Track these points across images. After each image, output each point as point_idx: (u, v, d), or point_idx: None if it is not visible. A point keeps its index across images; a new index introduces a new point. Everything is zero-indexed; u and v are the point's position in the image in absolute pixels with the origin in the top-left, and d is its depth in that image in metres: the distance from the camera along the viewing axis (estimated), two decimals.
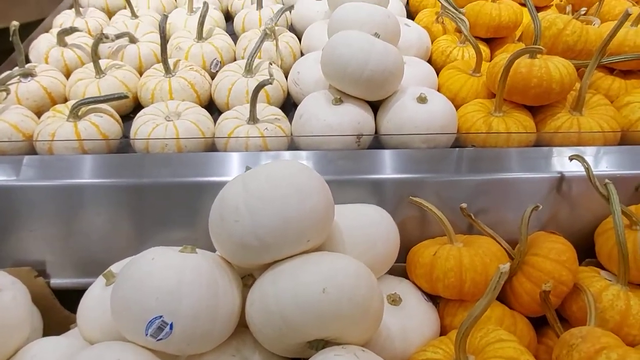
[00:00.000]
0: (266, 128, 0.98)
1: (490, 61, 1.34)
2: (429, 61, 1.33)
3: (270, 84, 0.96)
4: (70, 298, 0.96)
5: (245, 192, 0.62)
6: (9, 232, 0.93)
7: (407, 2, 1.61)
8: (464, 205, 0.85)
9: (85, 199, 0.92)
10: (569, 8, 1.38)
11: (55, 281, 0.95)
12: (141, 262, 0.63)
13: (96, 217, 0.93)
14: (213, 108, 1.20)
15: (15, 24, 1.10)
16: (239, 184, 0.64)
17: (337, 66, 0.97)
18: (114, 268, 0.82)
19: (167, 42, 1.32)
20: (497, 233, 0.89)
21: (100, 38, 1.13)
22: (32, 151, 1.00)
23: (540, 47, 0.90)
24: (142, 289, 0.60)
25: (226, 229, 0.63)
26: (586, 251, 0.94)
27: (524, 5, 1.45)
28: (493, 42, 1.36)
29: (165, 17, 1.12)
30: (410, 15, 1.55)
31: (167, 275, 0.60)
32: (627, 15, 0.93)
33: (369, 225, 0.77)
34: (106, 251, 0.94)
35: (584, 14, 1.16)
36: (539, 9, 1.51)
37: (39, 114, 1.11)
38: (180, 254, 0.65)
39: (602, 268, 0.88)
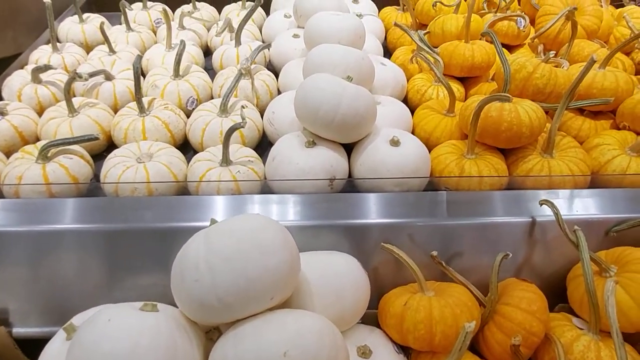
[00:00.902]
0: (238, 171, 0.98)
1: (464, 100, 1.37)
2: (405, 99, 1.35)
3: (242, 127, 0.96)
4: (37, 347, 0.93)
5: (207, 250, 0.61)
6: None
7: (385, 39, 1.65)
8: (434, 253, 0.85)
9: (52, 244, 0.89)
10: (540, 48, 1.42)
11: (19, 330, 0.91)
12: (96, 324, 0.60)
13: (63, 263, 0.90)
14: (188, 147, 1.19)
15: None
16: (201, 240, 0.63)
17: (309, 110, 0.97)
18: (76, 320, 0.79)
19: (145, 78, 1.32)
20: (471, 277, 0.89)
21: (74, 77, 1.12)
22: None
23: (508, 95, 0.92)
24: (95, 354, 0.57)
25: (186, 287, 0.61)
26: (559, 295, 0.94)
27: (507, 46, 1.50)
28: (467, 80, 1.39)
29: (139, 58, 1.12)
30: (388, 51, 1.58)
31: (121, 338, 0.58)
32: (592, 62, 0.96)
33: (337, 275, 0.75)
34: (73, 298, 0.91)
35: (554, 56, 1.20)
36: (512, 47, 1.55)
37: (9, 153, 1.09)
38: (138, 313, 0.63)
39: (575, 313, 0.88)
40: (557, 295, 0.94)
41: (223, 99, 1.12)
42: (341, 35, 1.24)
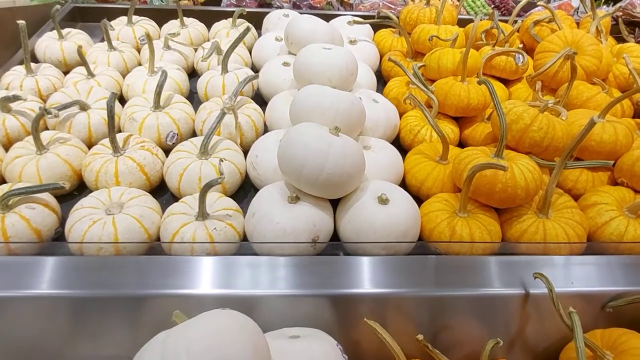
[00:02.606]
0: (215, 228, 0.91)
1: (459, 140, 1.31)
2: (397, 138, 1.29)
3: (219, 183, 0.89)
4: None
5: None
6: None
7: (380, 67, 1.58)
8: (420, 336, 0.79)
9: (8, 311, 0.83)
10: (538, 85, 1.36)
11: None
12: None
13: (19, 332, 0.83)
14: (165, 188, 1.12)
15: None
16: (157, 353, 0.56)
17: (293, 166, 0.91)
18: None
19: (123, 108, 1.25)
20: (463, 350, 0.84)
21: (42, 114, 1.04)
22: None
23: (505, 165, 0.86)
24: None
25: None
26: None
27: (504, 81, 1.44)
28: (462, 119, 1.33)
29: (113, 95, 1.04)
30: (382, 79, 1.51)
31: None
32: (592, 123, 0.90)
33: None
34: None
35: (554, 104, 1.14)
36: (509, 82, 1.49)
37: None
38: None
39: None
40: None
41: (204, 140, 1.05)
42: (332, 72, 1.17)
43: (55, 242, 0.95)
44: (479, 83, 1.06)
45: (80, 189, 1.12)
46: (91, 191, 1.08)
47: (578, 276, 0.92)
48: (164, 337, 0.59)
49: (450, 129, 1.26)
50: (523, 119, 1.06)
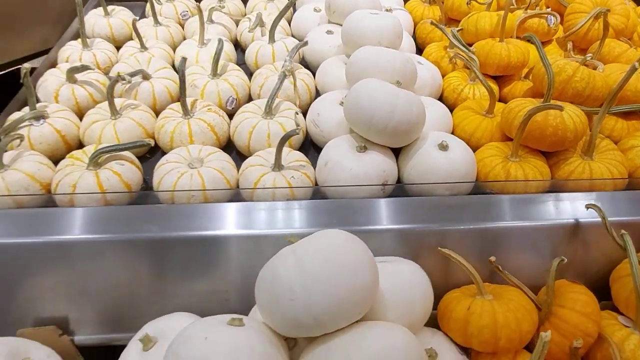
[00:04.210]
0: (292, 176, 0.99)
1: (499, 98, 1.39)
2: (440, 98, 1.36)
3: (297, 134, 0.97)
4: (97, 355, 0.95)
5: (299, 272, 0.63)
6: (29, 288, 0.91)
7: (414, 36, 1.64)
8: (492, 258, 0.88)
9: (109, 253, 0.90)
10: (570, 45, 1.44)
11: (80, 338, 0.93)
12: (193, 342, 0.62)
13: (120, 272, 0.91)
14: (230, 149, 1.19)
15: (27, 66, 1.07)
16: (291, 262, 0.65)
17: (362, 117, 0.98)
18: (150, 330, 0.81)
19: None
20: (522, 277, 0.93)
21: (117, 80, 1.10)
22: (51, 202, 0.97)
23: (561, 105, 0.94)
24: None
25: (280, 307, 0.64)
26: (601, 293, 0.99)
27: (530, 42, 1.50)
28: (500, 78, 1.40)
29: (184, 60, 1.11)
30: (417, 47, 1.58)
31: (221, 357, 0.60)
32: (634, 69, 0.98)
33: (408, 286, 0.78)
34: (131, 306, 0.93)
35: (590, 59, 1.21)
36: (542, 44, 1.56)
37: (52, 158, 1.08)
38: (231, 329, 0.65)
39: (618, 311, 0.93)
40: (598, 293, 0.99)
41: (268, 101, 1.12)
42: (382, 36, 1.24)
43: (146, 191, 1.02)
44: (524, 38, 1.14)
45: (150, 153, 1.19)
46: (164, 153, 1.15)
47: (624, 208, 1.01)
48: (291, 249, 0.67)
49: (491, 88, 1.33)
50: (566, 71, 1.14)
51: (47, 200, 0.96)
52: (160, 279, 0.92)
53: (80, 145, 1.15)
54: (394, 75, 1.09)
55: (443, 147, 1.02)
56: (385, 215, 0.96)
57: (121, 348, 0.83)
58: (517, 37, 1.52)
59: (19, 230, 0.89)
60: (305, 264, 0.64)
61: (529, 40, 1.14)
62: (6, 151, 1.00)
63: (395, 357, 0.62)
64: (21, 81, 1.08)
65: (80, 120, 1.17)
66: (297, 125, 0.99)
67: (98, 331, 0.94)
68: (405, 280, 0.79)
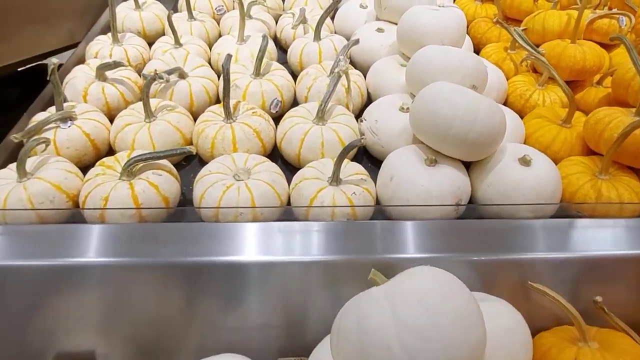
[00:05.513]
0: (354, 192, 0.86)
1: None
2: (504, 104, 1.22)
3: (362, 144, 0.84)
4: None
5: (397, 325, 0.50)
6: (51, 318, 0.79)
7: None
8: (598, 298, 0.74)
9: (143, 279, 0.78)
10: None
11: None
12: None
13: (156, 301, 0.79)
14: (274, 156, 1.07)
15: (54, 61, 0.96)
16: (386, 312, 0.52)
17: (436, 126, 0.85)
18: None
19: (220, 76, 1.19)
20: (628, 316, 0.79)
21: (154, 78, 0.99)
22: (79, 216, 0.86)
23: None
24: None
25: None
26: None
27: (603, 46, 1.36)
28: (571, 84, 1.26)
29: (229, 57, 0.99)
30: (474, 49, 1.45)
31: None
32: None
33: (508, 331, 0.65)
34: (167, 340, 0.81)
35: None
36: (609, 47, 1.41)
37: (79, 164, 0.97)
38: None
39: None
40: None
41: (321, 105, 1.00)
42: (445, 34, 1.11)
43: (186, 207, 0.90)
44: (612, 39, 1.00)
45: (186, 160, 1.07)
46: (201, 160, 1.03)
47: None
48: (382, 291, 0.54)
49: (562, 94, 1.19)
50: None
51: (75, 215, 0.85)
52: (201, 311, 0.80)
53: (110, 150, 1.03)
54: (465, 78, 0.96)
55: (525, 161, 0.89)
56: (461, 241, 0.82)
57: None
58: (585, 40, 1.38)
59: (42, 250, 0.77)
60: (404, 315, 0.51)
61: (615, 41, 1.00)
62: (29, 156, 0.89)
63: None
64: (48, 78, 0.97)
65: (110, 122, 1.05)
66: (362, 134, 0.86)
67: None
68: (504, 325, 0.66)
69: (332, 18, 1.49)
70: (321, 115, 1.01)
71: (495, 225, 0.84)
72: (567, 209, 0.93)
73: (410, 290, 0.53)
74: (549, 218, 0.90)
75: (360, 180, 0.90)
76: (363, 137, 0.85)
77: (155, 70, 1.01)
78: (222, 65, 0.98)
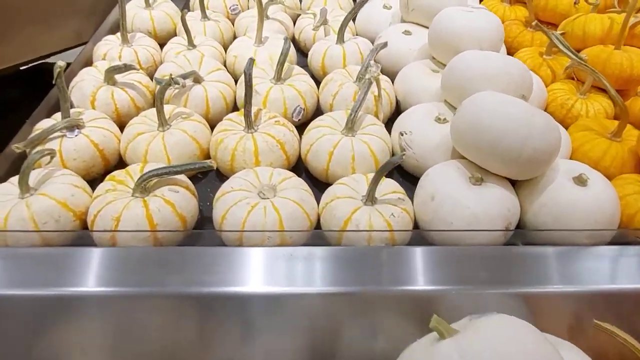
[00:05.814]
0: (392, 214, 0.78)
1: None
2: None
3: (402, 161, 0.75)
4: None
5: None
6: (53, 352, 0.71)
7: None
8: None
9: (159, 310, 0.70)
10: None
11: None
12: None
13: (171, 334, 0.71)
14: (297, 169, 0.98)
15: (61, 64, 0.87)
16: None
17: (484, 141, 0.77)
18: None
19: (237, 82, 1.11)
20: None
21: (169, 83, 0.90)
22: (87, 238, 0.77)
23: None
24: None
25: None
26: None
27: None
28: None
29: (251, 61, 0.90)
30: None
31: None
32: None
33: None
34: None
35: None
36: None
37: (86, 177, 0.88)
38: None
39: None
40: None
41: (351, 114, 0.91)
42: (483, 37, 1.02)
43: (208, 231, 0.82)
44: None
45: (203, 172, 0.98)
46: (219, 173, 0.95)
47: None
48: (453, 348, 0.46)
49: (607, 104, 1.11)
50: None
51: (83, 235, 0.76)
52: (219, 346, 0.72)
53: (121, 161, 0.95)
54: (510, 86, 0.87)
55: (581, 181, 0.80)
56: (512, 271, 0.74)
57: None
58: (626, 45, 1.30)
59: (46, 277, 0.68)
60: None
61: None
62: (33, 169, 0.80)
63: None
64: (54, 82, 0.88)
65: (120, 130, 0.97)
66: (403, 149, 0.78)
67: None
68: None
69: (354, 19, 1.40)
70: (351, 126, 0.92)
71: (552, 253, 0.76)
72: (625, 235, 0.84)
73: (487, 347, 0.44)
74: (606, 245, 0.81)
75: (398, 200, 0.81)
76: (404, 152, 0.77)
77: (171, 74, 0.92)
78: (244, 70, 0.90)
